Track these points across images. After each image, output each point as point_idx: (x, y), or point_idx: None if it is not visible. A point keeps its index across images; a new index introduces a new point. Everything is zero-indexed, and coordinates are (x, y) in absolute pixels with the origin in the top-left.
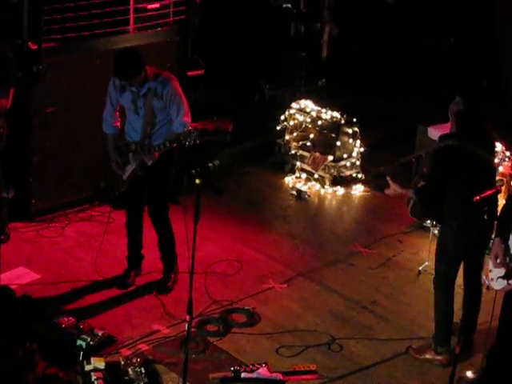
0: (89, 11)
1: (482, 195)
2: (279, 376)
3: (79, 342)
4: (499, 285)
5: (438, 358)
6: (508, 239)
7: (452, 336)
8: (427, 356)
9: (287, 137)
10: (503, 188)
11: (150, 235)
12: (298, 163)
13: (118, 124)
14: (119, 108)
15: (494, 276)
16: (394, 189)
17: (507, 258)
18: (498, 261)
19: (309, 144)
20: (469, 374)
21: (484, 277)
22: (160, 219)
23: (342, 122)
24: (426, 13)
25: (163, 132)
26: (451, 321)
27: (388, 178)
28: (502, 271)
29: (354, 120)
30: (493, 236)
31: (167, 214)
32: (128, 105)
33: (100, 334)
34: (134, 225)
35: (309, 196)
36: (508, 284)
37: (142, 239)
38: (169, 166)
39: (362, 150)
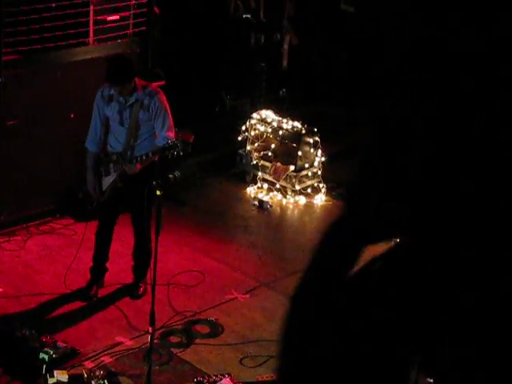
0: (49, 23)
1: None
2: None
3: (42, 355)
4: None
5: None
6: None
7: None
8: None
9: (248, 147)
10: None
11: (112, 248)
12: (260, 173)
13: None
14: (105, 122)
15: None
16: None
17: None
18: None
19: (270, 154)
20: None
21: None
22: (143, 229)
23: (303, 131)
24: (385, 20)
25: (146, 145)
26: None
27: None
28: None
29: (315, 130)
30: None
31: (150, 226)
32: (114, 115)
33: (63, 346)
34: (104, 236)
35: (271, 206)
36: None
37: (109, 252)
38: (152, 178)
39: (323, 159)
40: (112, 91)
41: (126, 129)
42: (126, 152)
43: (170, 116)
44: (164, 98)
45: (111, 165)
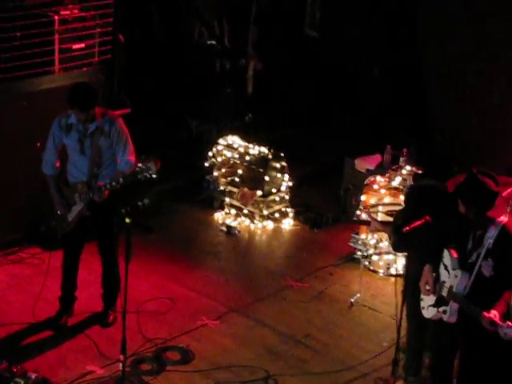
0: (14, 52)
1: (411, 226)
2: None
3: None
4: (430, 313)
5: None
6: (438, 267)
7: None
8: None
9: (215, 173)
10: None
11: (80, 276)
12: (227, 199)
13: (58, 165)
14: (61, 148)
15: (424, 304)
16: (375, 226)
17: (437, 286)
18: (427, 288)
19: (237, 179)
20: None
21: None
22: (111, 256)
23: (270, 156)
24: (349, 44)
25: (109, 171)
26: (422, 351)
27: (368, 216)
28: (432, 299)
29: (282, 154)
30: None
31: (117, 252)
32: (73, 145)
33: (34, 376)
34: (71, 266)
35: (239, 231)
36: (438, 312)
37: (76, 281)
38: (115, 203)
39: (290, 184)
40: (70, 120)
41: (87, 157)
42: (91, 180)
43: (130, 140)
44: (123, 123)
45: (76, 195)
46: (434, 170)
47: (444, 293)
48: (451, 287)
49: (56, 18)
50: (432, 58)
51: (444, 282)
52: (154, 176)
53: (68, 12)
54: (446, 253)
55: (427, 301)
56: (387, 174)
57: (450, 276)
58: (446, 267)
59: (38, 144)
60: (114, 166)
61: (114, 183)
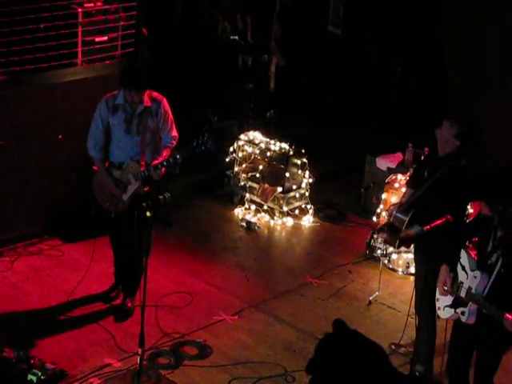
0: (37, 44)
1: (432, 225)
2: None
3: (30, 377)
4: (446, 313)
5: None
6: (456, 267)
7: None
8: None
9: (236, 168)
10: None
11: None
12: (248, 195)
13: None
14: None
15: (441, 305)
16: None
17: (455, 287)
18: (446, 288)
19: (258, 175)
20: None
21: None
22: (139, 247)
23: (291, 153)
24: (372, 42)
25: (151, 149)
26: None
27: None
28: (449, 300)
29: (303, 151)
30: None
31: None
32: (119, 124)
33: (51, 368)
34: (121, 242)
35: (258, 227)
36: (455, 313)
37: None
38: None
39: (310, 180)
40: (117, 101)
41: (132, 136)
42: (142, 159)
43: (172, 118)
44: (167, 103)
45: (130, 174)
46: (465, 148)
47: (462, 294)
48: (470, 288)
49: (80, 10)
50: (458, 55)
51: (462, 282)
52: (212, 149)
53: (92, 5)
54: (463, 253)
55: (444, 301)
56: (408, 173)
57: (469, 277)
58: (463, 268)
59: (60, 136)
60: (155, 144)
61: (171, 160)
